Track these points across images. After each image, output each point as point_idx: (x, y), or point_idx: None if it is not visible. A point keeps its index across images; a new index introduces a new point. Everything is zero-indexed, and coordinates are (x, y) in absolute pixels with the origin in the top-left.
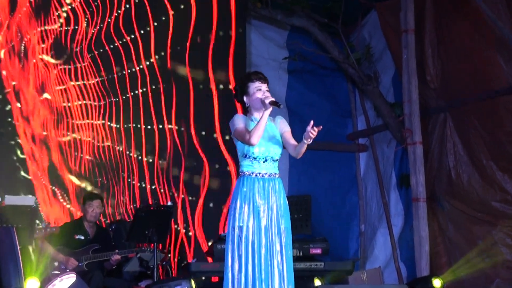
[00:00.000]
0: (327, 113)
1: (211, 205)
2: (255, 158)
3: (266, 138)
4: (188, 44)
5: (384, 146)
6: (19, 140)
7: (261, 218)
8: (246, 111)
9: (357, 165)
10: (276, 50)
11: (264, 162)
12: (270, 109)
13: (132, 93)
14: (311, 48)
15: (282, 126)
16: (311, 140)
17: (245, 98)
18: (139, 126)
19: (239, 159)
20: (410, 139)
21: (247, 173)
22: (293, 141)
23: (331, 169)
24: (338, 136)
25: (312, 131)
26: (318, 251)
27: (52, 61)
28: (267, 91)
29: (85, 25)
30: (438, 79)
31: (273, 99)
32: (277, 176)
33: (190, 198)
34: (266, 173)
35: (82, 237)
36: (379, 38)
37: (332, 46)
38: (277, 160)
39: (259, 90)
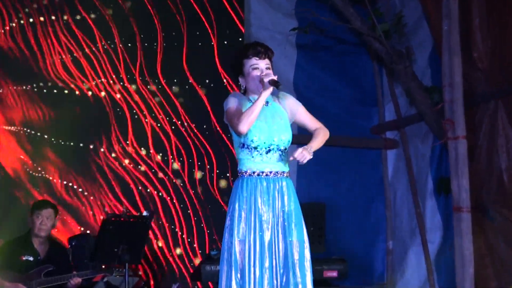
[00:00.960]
0: (346, 100)
1: (201, 214)
2: (255, 148)
3: (268, 121)
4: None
5: (418, 142)
6: None
7: (264, 230)
8: (244, 92)
9: (384, 165)
10: (282, 20)
11: (267, 153)
12: (270, 89)
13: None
14: (327, 17)
15: (291, 104)
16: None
17: (240, 79)
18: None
19: (236, 152)
20: (451, 132)
21: (247, 172)
22: (313, 123)
23: (351, 171)
24: (360, 129)
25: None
26: (334, 274)
27: None
28: (268, 68)
29: None
30: (488, 57)
31: (274, 77)
32: (285, 175)
33: (179, 204)
34: (270, 171)
35: (31, 258)
36: (413, 5)
37: (353, 14)
38: (285, 150)
39: (256, 69)
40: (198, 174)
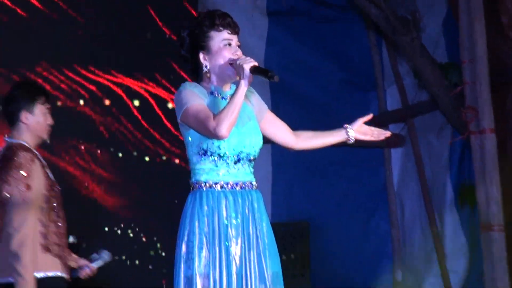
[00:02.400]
0: (334, 83)
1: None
2: (221, 157)
3: (239, 124)
4: None
5: (431, 137)
6: None
7: (231, 261)
8: (198, 78)
9: (387, 169)
10: None
11: (235, 163)
12: (251, 79)
13: None
14: None
15: (259, 102)
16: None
17: (201, 56)
18: None
19: (191, 159)
20: (474, 124)
21: (207, 184)
22: (284, 125)
23: (343, 177)
24: (353, 121)
25: (377, 133)
26: None
27: None
28: (239, 46)
29: None
30: None
31: (256, 63)
32: (254, 187)
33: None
34: (237, 183)
35: None
36: None
37: None
38: (254, 160)
39: (228, 46)
40: None
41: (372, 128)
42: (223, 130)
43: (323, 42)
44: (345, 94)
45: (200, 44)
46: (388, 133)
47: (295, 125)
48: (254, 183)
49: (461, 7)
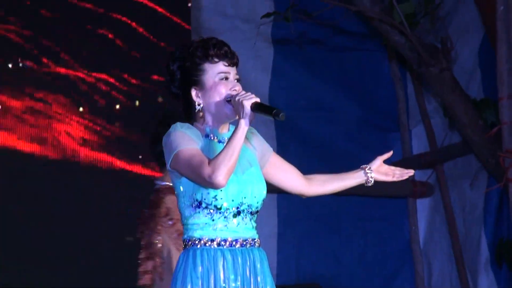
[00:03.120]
0: (352, 122)
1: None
2: (218, 209)
3: (238, 171)
4: None
5: (464, 185)
6: None
7: None
8: (191, 118)
9: (413, 222)
10: (250, 1)
11: (235, 216)
12: (252, 118)
13: None
14: None
15: (262, 146)
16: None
17: (193, 93)
18: None
19: (183, 213)
20: None
21: (202, 240)
22: (292, 169)
23: (360, 231)
24: (371, 161)
25: (400, 172)
26: None
27: None
28: (238, 80)
29: None
30: None
31: (258, 100)
32: (257, 244)
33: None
34: (237, 240)
35: None
36: None
37: None
38: (257, 212)
39: (225, 80)
40: None
41: (393, 167)
42: (220, 178)
43: (338, 75)
44: (364, 135)
45: (192, 78)
46: (411, 172)
47: (305, 171)
48: (257, 239)
49: (499, 36)
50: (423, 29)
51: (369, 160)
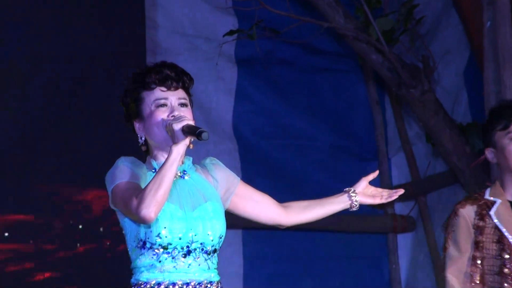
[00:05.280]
0: (324, 151)
1: None
2: (164, 249)
3: (185, 203)
4: None
5: None
6: None
7: None
8: (146, 153)
9: (393, 261)
10: (211, 17)
11: (185, 256)
12: (185, 142)
13: None
14: (285, 10)
15: (227, 177)
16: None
17: (136, 126)
18: None
19: (131, 255)
20: None
21: (149, 285)
22: (265, 197)
23: (337, 272)
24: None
25: (387, 193)
26: None
27: None
28: (184, 105)
29: None
30: None
31: (190, 122)
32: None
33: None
34: (189, 284)
35: None
36: None
37: (331, 4)
38: (215, 252)
39: (162, 107)
40: None
41: (380, 189)
42: (145, 210)
43: (309, 98)
44: (338, 165)
45: (133, 110)
46: (401, 191)
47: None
48: (215, 282)
49: (486, 54)
50: (402, 47)
51: (343, 189)
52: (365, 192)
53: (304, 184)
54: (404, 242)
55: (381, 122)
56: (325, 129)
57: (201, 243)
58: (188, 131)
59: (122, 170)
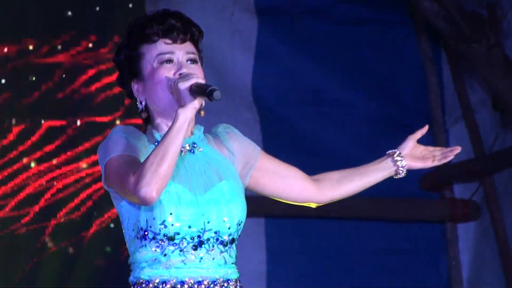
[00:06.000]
0: (364, 121)
1: None
2: (170, 240)
3: (196, 183)
4: None
5: None
6: None
7: None
8: (147, 122)
9: (453, 257)
10: None
11: (195, 249)
12: (194, 105)
13: None
14: None
15: (243, 150)
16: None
17: (134, 88)
18: None
19: (129, 248)
20: None
21: (152, 284)
22: (293, 170)
23: (382, 269)
24: (395, 180)
25: (441, 153)
26: None
27: None
28: (193, 61)
29: None
30: None
31: (200, 80)
32: (233, 287)
33: None
34: (202, 282)
35: None
36: None
37: None
38: (232, 242)
39: (168, 64)
40: None
41: (430, 147)
42: (144, 189)
43: (346, 57)
44: (381, 138)
45: (131, 69)
46: (457, 149)
47: None
48: (233, 280)
49: None
50: None
51: None
52: (413, 154)
53: (339, 162)
54: (465, 233)
55: (436, 85)
56: (365, 94)
57: (215, 232)
58: (197, 90)
59: (116, 142)
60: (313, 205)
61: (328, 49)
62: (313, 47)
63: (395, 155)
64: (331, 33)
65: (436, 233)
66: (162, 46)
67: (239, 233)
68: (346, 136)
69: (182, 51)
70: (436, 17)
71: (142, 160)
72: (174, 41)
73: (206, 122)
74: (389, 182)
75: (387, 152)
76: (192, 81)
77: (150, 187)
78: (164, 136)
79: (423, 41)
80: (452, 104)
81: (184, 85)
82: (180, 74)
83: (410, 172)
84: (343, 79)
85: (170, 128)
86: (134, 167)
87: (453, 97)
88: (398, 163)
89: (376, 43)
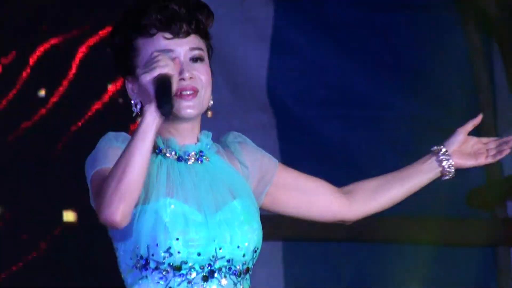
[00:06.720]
0: (403, 124)
1: None
2: (177, 269)
3: (211, 202)
4: None
5: None
6: None
7: None
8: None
9: (504, 286)
10: None
11: (206, 280)
12: (151, 114)
13: None
14: None
15: (256, 163)
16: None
17: (127, 86)
18: None
19: (125, 279)
20: None
21: None
22: (319, 182)
23: None
24: (440, 195)
25: (496, 146)
26: None
27: None
28: (199, 58)
29: None
30: None
31: (167, 71)
32: None
33: None
34: None
35: None
36: None
37: None
38: (247, 272)
39: (161, 60)
40: None
41: (484, 139)
42: (106, 211)
43: (380, 50)
44: (421, 144)
45: (125, 63)
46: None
47: None
48: None
49: None
50: None
51: (433, 185)
52: (462, 150)
53: (371, 172)
54: None
55: (486, 82)
56: (403, 93)
57: (228, 260)
58: (158, 87)
59: (104, 152)
60: (346, 223)
61: (357, 39)
62: (339, 37)
63: (440, 153)
64: (360, 20)
65: (487, 258)
66: (160, 41)
67: (255, 261)
68: (380, 141)
69: (184, 48)
70: (487, 2)
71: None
72: (176, 35)
73: (214, 126)
74: (431, 198)
75: (432, 149)
76: (155, 73)
77: (110, 209)
78: (128, 142)
79: (471, 30)
80: (506, 105)
81: (145, 78)
82: (181, 78)
83: (457, 187)
84: (375, 75)
85: (134, 132)
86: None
87: (508, 98)
88: (444, 162)
89: (414, 32)
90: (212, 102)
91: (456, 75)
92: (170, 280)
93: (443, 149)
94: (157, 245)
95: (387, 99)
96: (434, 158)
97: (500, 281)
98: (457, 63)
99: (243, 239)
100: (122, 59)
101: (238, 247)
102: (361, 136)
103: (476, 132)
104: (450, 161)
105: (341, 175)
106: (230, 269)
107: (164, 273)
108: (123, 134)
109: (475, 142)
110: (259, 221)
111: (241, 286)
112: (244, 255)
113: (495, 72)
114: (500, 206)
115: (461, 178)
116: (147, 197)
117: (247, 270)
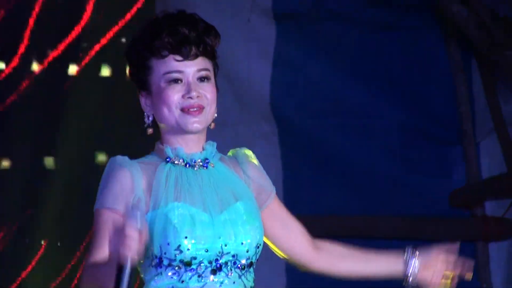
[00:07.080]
0: (393, 133)
1: None
2: (187, 265)
3: (215, 203)
4: None
5: None
6: None
7: None
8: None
9: (483, 277)
10: None
11: (214, 273)
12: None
13: None
14: None
15: (257, 179)
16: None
17: (141, 100)
18: None
19: (144, 276)
20: None
21: None
22: (297, 226)
23: None
24: (425, 196)
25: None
26: None
27: None
28: (205, 78)
29: None
30: None
31: (132, 256)
32: None
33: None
34: None
35: None
36: None
37: None
38: (250, 266)
39: (175, 84)
40: None
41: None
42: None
43: (372, 65)
44: (410, 151)
45: (139, 77)
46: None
47: (325, 207)
48: None
49: None
50: None
51: (421, 188)
52: (430, 265)
53: (366, 178)
54: (497, 254)
55: (466, 95)
56: (393, 104)
57: (233, 256)
58: (116, 276)
59: (110, 187)
60: (304, 269)
61: (352, 56)
62: (336, 54)
63: (409, 258)
64: (355, 39)
65: (467, 253)
66: (171, 63)
67: (258, 256)
68: (373, 148)
69: (193, 69)
70: (466, 22)
71: (144, 200)
72: (186, 57)
73: (220, 135)
74: (417, 199)
75: (407, 248)
76: (122, 258)
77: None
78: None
79: (452, 48)
80: (484, 116)
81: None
82: (189, 97)
83: (440, 189)
84: (368, 88)
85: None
86: (100, 243)
87: (485, 109)
88: (409, 269)
89: (403, 50)
90: (216, 115)
91: (439, 88)
92: (182, 275)
93: (416, 254)
94: (168, 244)
95: (378, 109)
96: (401, 259)
97: (480, 272)
98: (440, 77)
99: (246, 236)
100: (137, 74)
101: (242, 243)
102: (355, 143)
103: (457, 138)
104: (415, 269)
105: (336, 181)
106: (235, 263)
107: (176, 268)
108: (128, 161)
109: (443, 259)
110: (261, 220)
111: (246, 278)
112: (247, 251)
113: (474, 86)
114: (479, 206)
115: (445, 181)
116: (157, 203)
117: (251, 264)
